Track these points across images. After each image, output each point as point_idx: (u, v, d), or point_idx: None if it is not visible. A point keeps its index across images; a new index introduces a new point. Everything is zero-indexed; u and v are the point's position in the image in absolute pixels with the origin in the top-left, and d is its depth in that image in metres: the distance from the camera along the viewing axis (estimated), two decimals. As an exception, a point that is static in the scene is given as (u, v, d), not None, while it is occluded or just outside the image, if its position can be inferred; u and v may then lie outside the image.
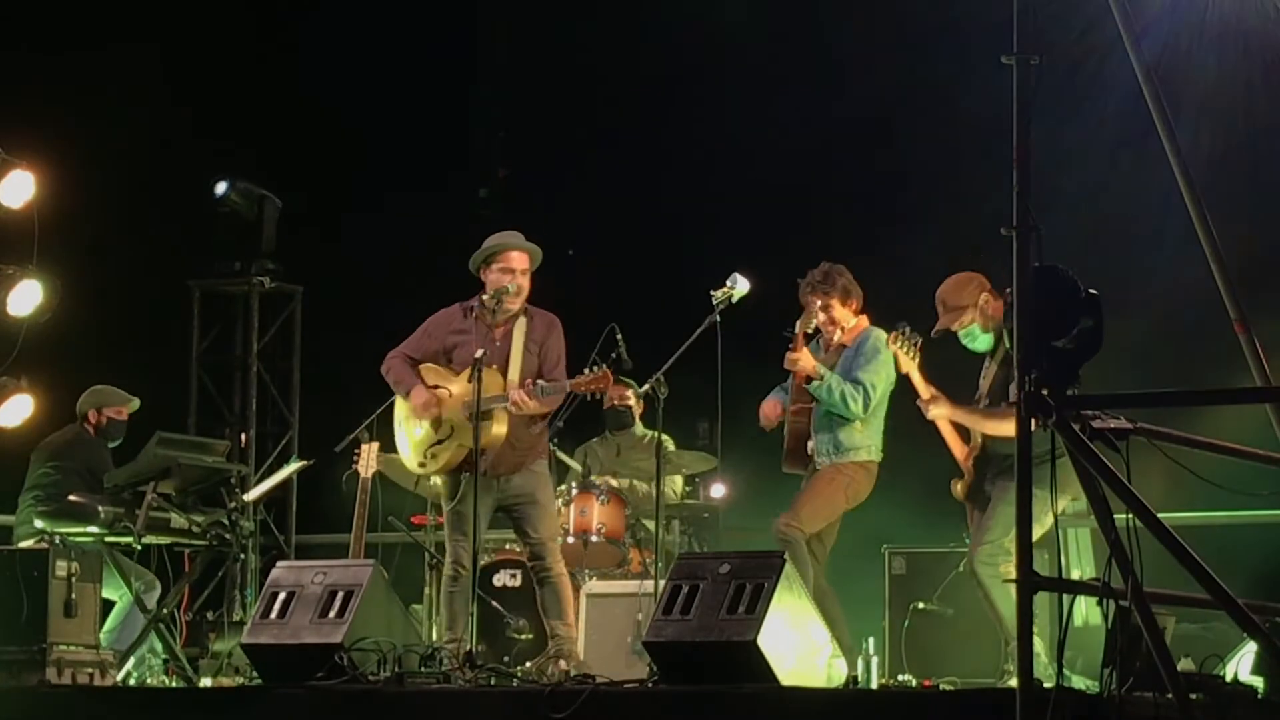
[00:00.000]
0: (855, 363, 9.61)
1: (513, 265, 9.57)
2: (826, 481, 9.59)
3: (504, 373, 9.47)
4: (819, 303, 9.67)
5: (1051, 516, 7.82)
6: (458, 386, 9.49)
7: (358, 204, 14.25)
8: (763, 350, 9.93)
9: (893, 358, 9.49)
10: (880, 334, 9.61)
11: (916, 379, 9.18)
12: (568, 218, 13.24)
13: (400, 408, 9.76)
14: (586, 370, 9.44)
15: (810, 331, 9.77)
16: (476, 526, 9.31)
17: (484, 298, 9.53)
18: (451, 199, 14.52)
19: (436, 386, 9.54)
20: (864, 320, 9.75)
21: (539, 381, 9.38)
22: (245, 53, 14.28)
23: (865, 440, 9.63)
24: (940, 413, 9.10)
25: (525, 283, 9.59)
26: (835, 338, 9.74)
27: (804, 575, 8.96)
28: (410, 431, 9.70)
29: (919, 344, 9.19)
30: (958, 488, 9.20)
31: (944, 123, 12.38)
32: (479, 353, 9.31)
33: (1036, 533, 8.40)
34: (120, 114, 13.40)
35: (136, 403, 11.41)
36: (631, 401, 11.68)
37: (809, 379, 9.59)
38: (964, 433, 9.15)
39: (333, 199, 14.32)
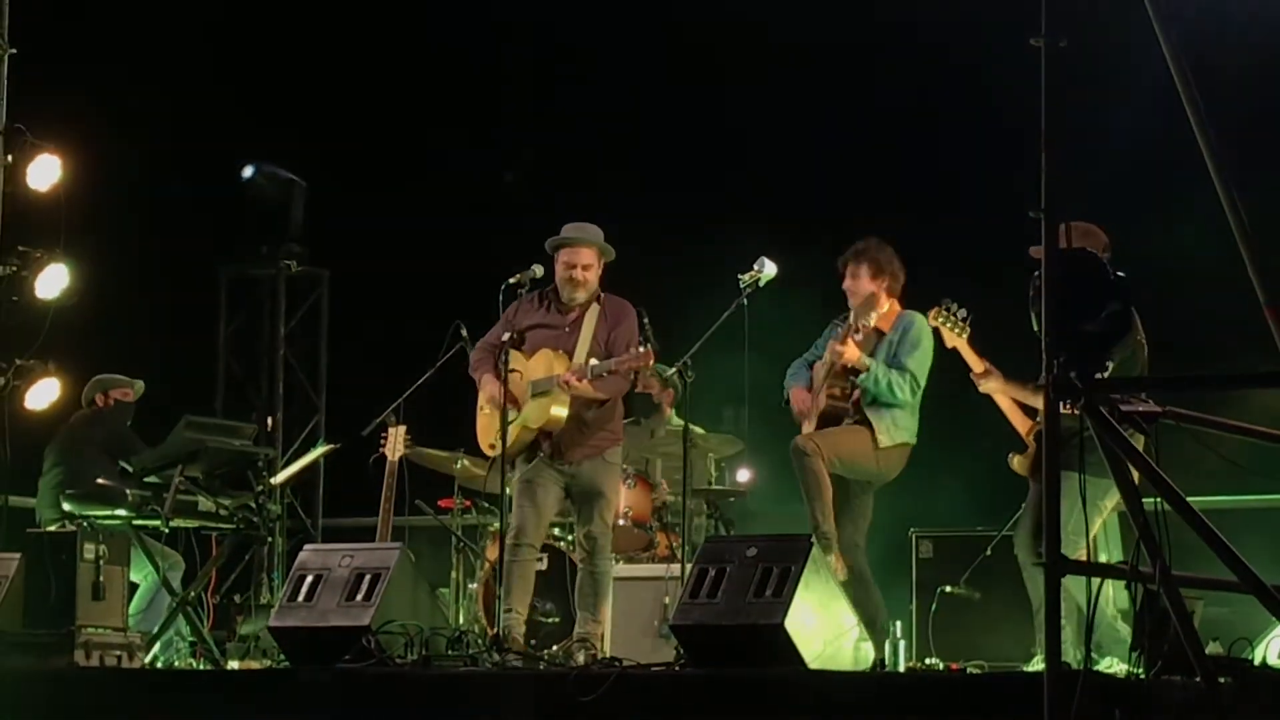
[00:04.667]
0: (900, 349, 9.54)
1: (576, 260, 9.59)
2: (866, 495, 9.56)
3: (570, 358, 9.47)
4: (849, 268, 9.65)
5: (1112, 500, 7.79)
6: (527, 369, 9.52)
7: (385, 187, 14.26)
8: (790, 335, 9.92)
9: (933, 345, 9.49)
10: (921, 320, 9.54)
11: (967, 353, 9.07)
12: (595, 201, 13.23)
13: (481, 395, 9.76)
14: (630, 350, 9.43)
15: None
16: (503, 510, 9.31)
17: (527, 290, 9.55)
18: (478, 182, 14.51)
19: (512, 369, 9.54)
20: (897, 305, 9.69)
21: (591, 361, 9.37)
22: (272, 36, 14.29)
23: (911, 423, 9.58)
24: (992, 387, 9.00)
25: (589, 276, 9.58)
26: (867, 320, 9.63)
27: (822, 489, 9.09)
28: (486, 416, 9.72)
29: (967, 319, 9.09)
30: (1016, 461, 9.03)
31: (977, 105, 12.35)
32: (505, 336, 9.35)
33: (1094, 521, 8.42)
34: (147, 98, 13.43)
35: (141, 385, 11.45)
36: (656, 388, 11.64)
37: (856, 371, 9.55)
38: (1025, 405, 9.03)
39: (360, 182, 14.32)
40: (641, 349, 9.33)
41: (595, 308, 9.59)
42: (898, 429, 9.51)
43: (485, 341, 9.77)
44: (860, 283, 9.63)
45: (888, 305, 9.63)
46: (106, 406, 11.35)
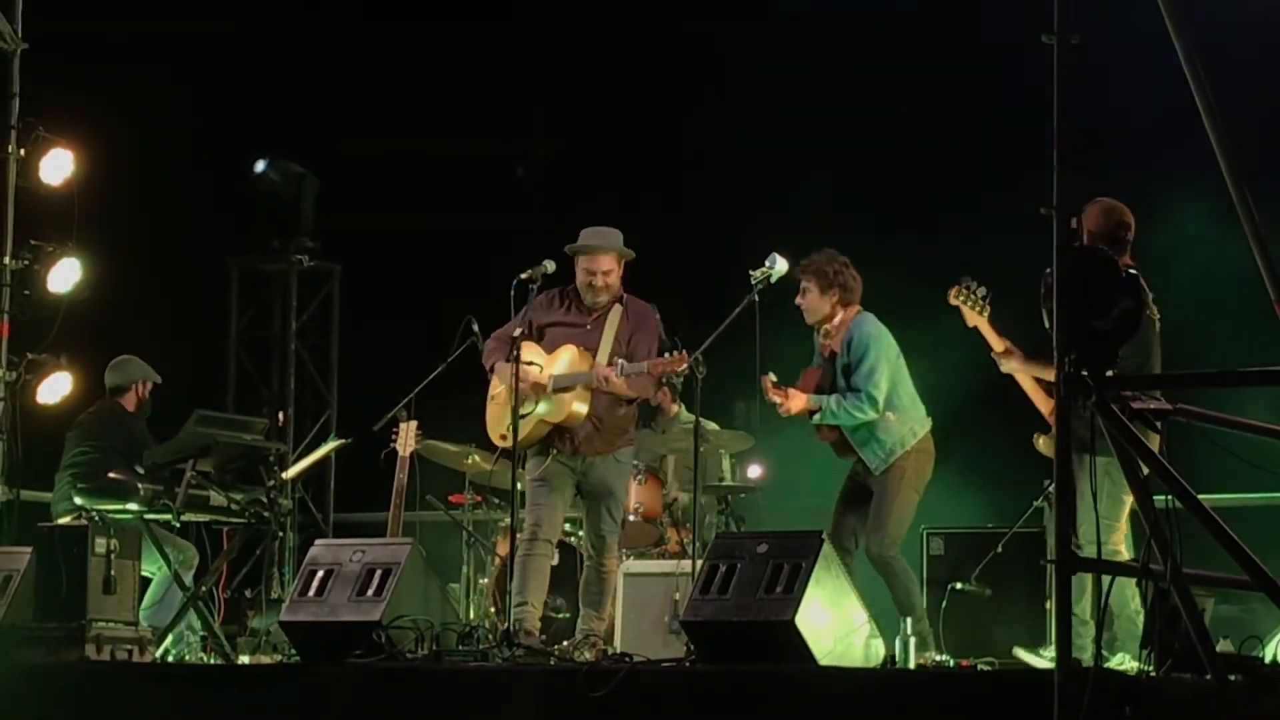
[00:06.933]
0: (851, 368, 9.52)
1: (595, 267, 9.62)
2: (894, 487, 9.46)
3: (594, 357, 9.54)
4: (801, 283, 9.64)
5: (1130, 498, 7.80)
6: (547, 363, 9.57)
7: (396, 182, 14.26)
8: (800, 330, 9.91)
9: (884, 336, 9.49)
10: (863, 327, 9.53)
11: (987, 332, 9.00)
12: (607, 197, 13.22)
13: (494, 384, 9.80)
14: (666, 355, 9.47)
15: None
16: (514, 500, 9.34)
17: (539, 285, 9.58)
18: (491, 177, 14.51)
19: (530, 362, 9.56)
20: (849, 313, 9.62)
21: (620, 360, 9.43)
22: (285, 30, 14.29)
23: (905, 425, 9.51)
24: (1014, 366, 8.91)
25: (610, 281, 9.62)
26: (822, 337, 9.65)
27: (909, 587, 9.15)
28: (497, 406, 9.75)
29: (987, 297, 9.02)
30: (1042, 442, 8.98)
31: (987, 101, 12.34)
32: (516, 331, 9.37)
33: (1120, 513, 8.42)
34: (159, 93, 13.44)
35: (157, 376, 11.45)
36: (651, 391, 11.62)
37: (811, 414, 9.57)
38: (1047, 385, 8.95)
39: (371, 177, 14.32)
40: (676, 353, 9.37)
41: (618, 309, 9.66)
42: (889, 448, 9.48)
43: (500, 333, 9.79)
44: (810, 298, 9.63)
45: (839, 317, 9.62)
46: (143, 396, 11.26)
